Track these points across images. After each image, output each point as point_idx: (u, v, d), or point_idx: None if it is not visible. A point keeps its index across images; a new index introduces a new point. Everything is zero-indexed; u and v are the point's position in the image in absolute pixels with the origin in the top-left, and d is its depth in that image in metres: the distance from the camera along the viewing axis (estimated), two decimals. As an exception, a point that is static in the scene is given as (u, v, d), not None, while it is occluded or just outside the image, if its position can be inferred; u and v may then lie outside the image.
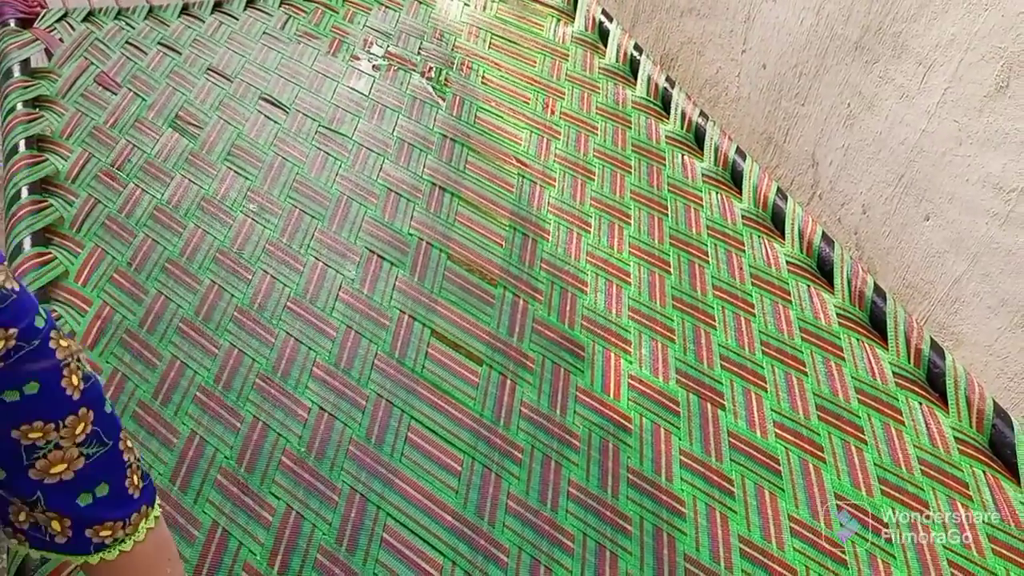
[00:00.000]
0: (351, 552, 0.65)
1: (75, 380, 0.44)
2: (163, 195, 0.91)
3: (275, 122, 1.03)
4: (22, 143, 0.93)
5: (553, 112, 1.11)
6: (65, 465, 0.44)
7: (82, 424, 0.44)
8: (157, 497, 0.50)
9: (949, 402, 0.82)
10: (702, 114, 1.11)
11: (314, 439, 0.72)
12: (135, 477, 0.48)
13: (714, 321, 0.87)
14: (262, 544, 0.65)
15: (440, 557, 0.65)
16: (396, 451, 0.72)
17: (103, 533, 0.46)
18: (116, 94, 1.04)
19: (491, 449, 0.73)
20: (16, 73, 1.04)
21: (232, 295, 0.82)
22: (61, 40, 1.11)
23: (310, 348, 0.79)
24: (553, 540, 0.68)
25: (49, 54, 1.09)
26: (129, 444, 0.48)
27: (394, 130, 1.04)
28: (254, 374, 0.76)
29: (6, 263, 0.52)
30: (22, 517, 0.45)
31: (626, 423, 0.77)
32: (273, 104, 1.05)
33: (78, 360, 0.45)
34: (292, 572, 0.63)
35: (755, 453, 0.76)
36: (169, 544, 0.53)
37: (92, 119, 1.00)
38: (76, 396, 0.44)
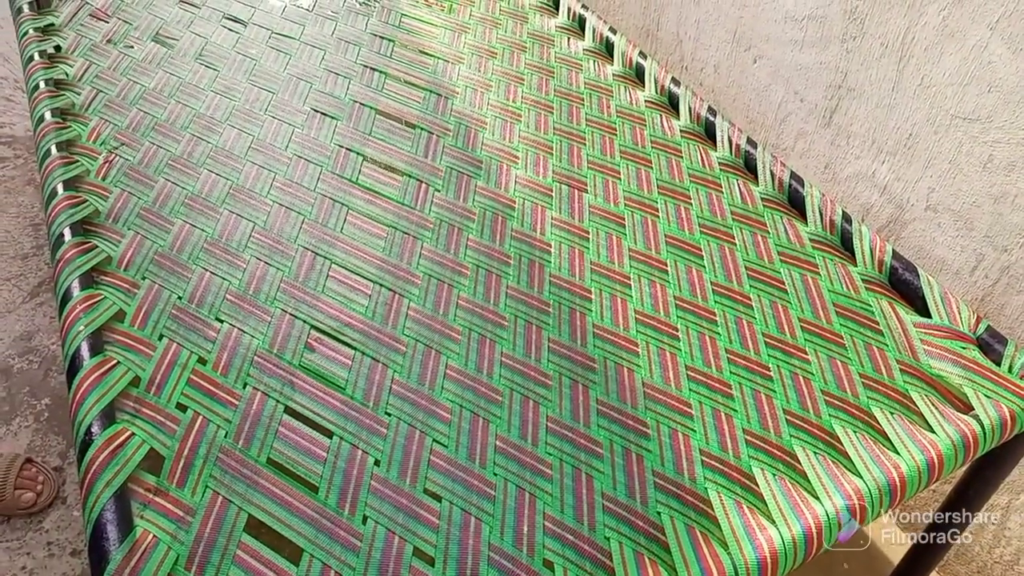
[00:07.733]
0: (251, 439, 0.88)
1: None
2: (150, 84, 1.16)
3: (236, 33, 1.27)
4: (36, 54, 1.18)
5: (463, 16, 1.36)
6: None
7: None
8: None
9: (807, 215, 1.06)
10: (583, 6, 1.36)
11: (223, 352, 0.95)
12: None
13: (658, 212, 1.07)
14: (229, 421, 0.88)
15: (326, 439, 0.89)
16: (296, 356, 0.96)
17: None
18: (107, 23, 1.29)
19: (396, 279, 0.92)
20: (25, 10, 1.28)
21: (219, 178, 1.07)
22: (58, -11, 1.36)
23: (247, 219, 1.03)
24: (429, 413, 0.92)
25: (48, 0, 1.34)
26: None
27: (333, 32, 1.29)
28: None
29: None
30: None
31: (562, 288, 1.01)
32: (234, 20, 1.30)
33: None
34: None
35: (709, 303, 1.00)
36: None
37: (90, 39, 1.24)
38: None
